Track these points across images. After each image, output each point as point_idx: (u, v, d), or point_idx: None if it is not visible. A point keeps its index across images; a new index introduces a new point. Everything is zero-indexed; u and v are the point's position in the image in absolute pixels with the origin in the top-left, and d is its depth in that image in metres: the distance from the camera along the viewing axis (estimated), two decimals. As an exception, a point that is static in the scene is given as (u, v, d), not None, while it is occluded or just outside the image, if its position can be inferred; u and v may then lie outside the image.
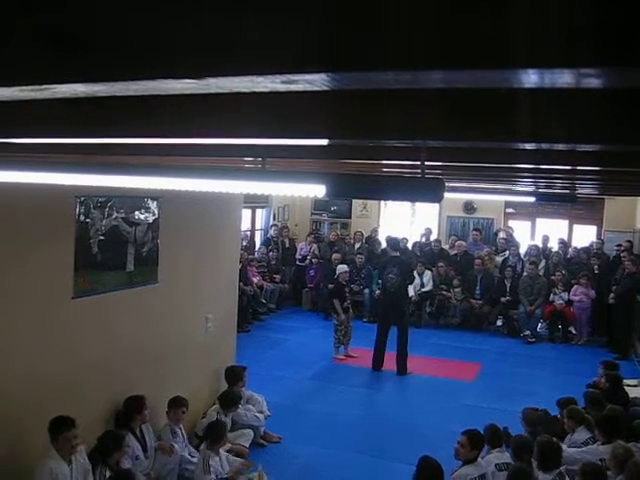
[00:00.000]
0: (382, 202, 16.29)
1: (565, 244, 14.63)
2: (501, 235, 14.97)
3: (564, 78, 0.91)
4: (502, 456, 5.46)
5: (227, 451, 6.25)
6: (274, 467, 6.62)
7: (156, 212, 6.51)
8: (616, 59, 0.79)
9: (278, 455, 7.04)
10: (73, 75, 1.06)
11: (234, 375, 7.30)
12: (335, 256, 13.86)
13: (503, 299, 13.22)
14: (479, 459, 5.29)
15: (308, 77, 0.92)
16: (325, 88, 0.97)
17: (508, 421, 6.33)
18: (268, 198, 15.05)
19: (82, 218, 5.62)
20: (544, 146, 2.27)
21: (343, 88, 1.06)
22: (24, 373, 5.05)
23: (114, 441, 5.28)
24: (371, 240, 15.32)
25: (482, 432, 5.55)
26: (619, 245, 13.39)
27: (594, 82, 0.92)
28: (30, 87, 1.13)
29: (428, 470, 4.92)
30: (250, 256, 13.75)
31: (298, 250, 15.29)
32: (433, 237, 15.29)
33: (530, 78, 0.95)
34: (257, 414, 7.27)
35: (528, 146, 2.29)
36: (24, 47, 1.06)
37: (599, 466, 5.02)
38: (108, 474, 5.12)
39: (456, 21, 0.83)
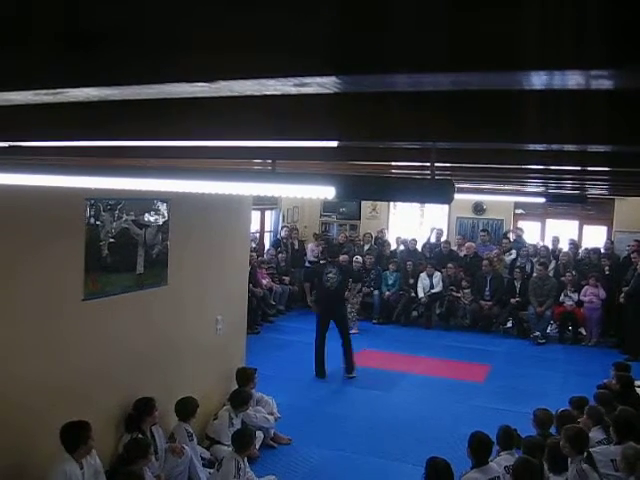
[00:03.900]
0: (391, 203, 16.28)
1: (575, 245, 14.57)
2: (511, 236, 14.93)
3: (575, 79, 0.91)
4: (512, 458, 5.43)
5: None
6: (284, 469, 6.64)
7: (166, 214, 6.52)
8: (627, 59, 0.79)
9: (288, 457, 7.04)
10: (86, 79, 1.06)
11: (245, 376, 7.32)
12: (342, 257, 13.84)
13: (513, 300, 13.18)
14: (490, 463, 5.26)
15: (320, 80, 0.92)
16: (336, 91, 0.98)
17: (518, 422, 6.30)
18: (277, 200, 15.08)
19: (92, 220, 5.64)
20: (554, 147, 2.27)
21: (354, 91, 1.07)
22: (34, 375, 5.06)
23: (140, 449, 5.31)
24: (380, 241, 15.31)
25: (496, 434, 5.55)
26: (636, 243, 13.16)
27: (605, 83, 0.92)
28: (44, 91, 1.14)
29: (437, 471, 4.91)
30: (260, 258, 13.76)
31: (308, 252, 15.28)
32: (443, 238, 15.26)
33: (540, 80, 0.95)
34: (267, 416, 7.28)
35: (538, 147, 2.29)
36: (38, 52, 1.07)
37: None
38: None
39: (466, 23, 0.83)
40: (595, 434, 5.93)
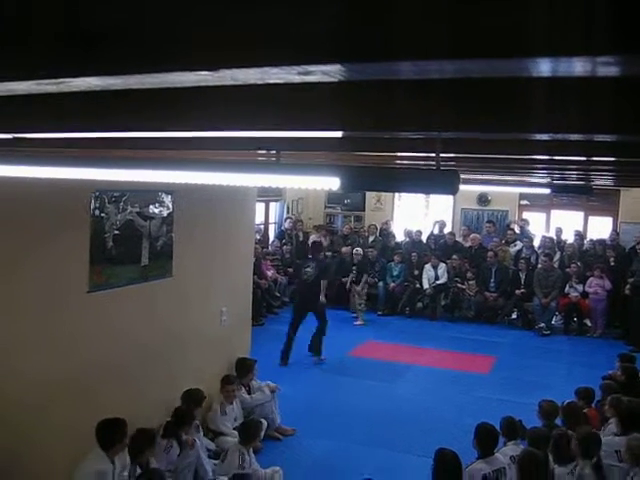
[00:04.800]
0: (396, 195, 16.27)
1: (581, 236, 14.54)
2: (516, 228, 14.88)
3: (581, 66, 0.90)
4: (517, 449, 5.43)
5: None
6: (288, 460, 6.64)
7: (170, 206, 6.52)
8: (634, 46, 0.78)
9: (292, 448, 7.06)
10: (89, 69, 1.06)
11: (245, 367, 7.35)
12: (345, 249, 13.87)
13: (518, 292, 13.17)
14: (496, 454, 5.27)
15: (324, 68, 0.91)
16: (340, 79, 0.97)
17: (523, 414, 6.31)
18: (282, 191, 15.07)
19: (97, 212, 5.64)
20: (559, 136, 2.26)
21: (358, 79, 1.06)
22: (38, 368, 5.06)
23: (146, 439, 5.30)
24: (384, 233, 15.30)
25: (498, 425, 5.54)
26: None
27: (612, 70, 0.91)
28: (46, 81, 1.13)
29: (446, 462, 4.91)
30: (264, 249, 13.76)
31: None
32: (447, 230, 15.25)
33: (546, 67, 0.94)
34: (263, 388, 7.36)
35: (544, 137, 2.28)
36: (40, 42, 1.06)
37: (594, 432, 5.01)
38: (138, 471, 5.15)
39: (470, 10, 0.82)
40: (614, 425, 5.90)
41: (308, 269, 10.28)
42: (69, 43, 1.03)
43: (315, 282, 10.23)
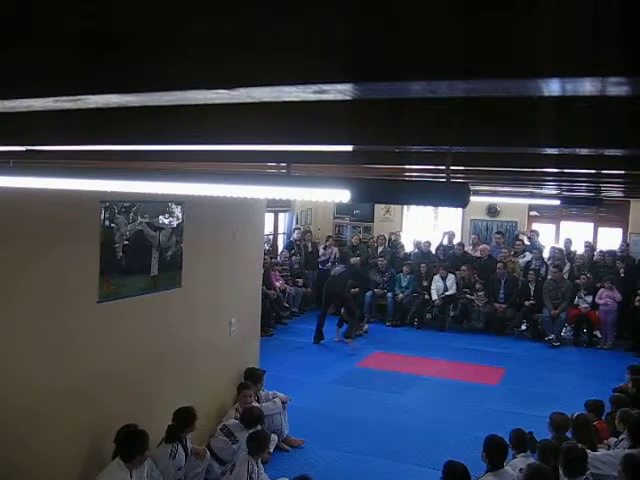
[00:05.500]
0: (405, 205, 16.26)
1: (591, 247, 14.48)
2: (524, 239, 14.84)
3: (590, 87, 0.91)
4: (527, 461, 5.40)
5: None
6: (296, 471, 6.62)
7: (180, 216, 6.54)
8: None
9: (300, 459, 7.04)
10: (107, 86, 1.07)
11: (253, 377, 7.35)
12: (353, 260, 13.90)
13: (527, 303, 13.12)
14: (505, 466, 5.24)
15: (339, 87, 0.93)
16: (355, 97, 0.99)
17: (533, 426, 6.28)
18: (291, 202, 15.09)
19: (107, 223, 5.66)
20: (568, 151, 2.27)
21: (371, 97, 1.07)
22: (50, 378, 5.08)
23: (139, 442, 5.27)
24: (393, 243, 15.30)
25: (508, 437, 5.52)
26: None
27: (622, 90, 0.92)
28: (65, 98, 1.15)
29: (455, 475, 4.89)
30: (273, 260, 13.78)
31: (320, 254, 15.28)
32: (456, 240, 15.23)
33: (556, 87, 0.95)
34: (274, 400, 7.35)
35: (554, 151, 2.29)
36: (58, 58, 1.08)
37: None
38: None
39: (481, 32, 0.84)
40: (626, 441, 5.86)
41: (337, 268, 12.30)
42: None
43: (340, 276, 11.93)
